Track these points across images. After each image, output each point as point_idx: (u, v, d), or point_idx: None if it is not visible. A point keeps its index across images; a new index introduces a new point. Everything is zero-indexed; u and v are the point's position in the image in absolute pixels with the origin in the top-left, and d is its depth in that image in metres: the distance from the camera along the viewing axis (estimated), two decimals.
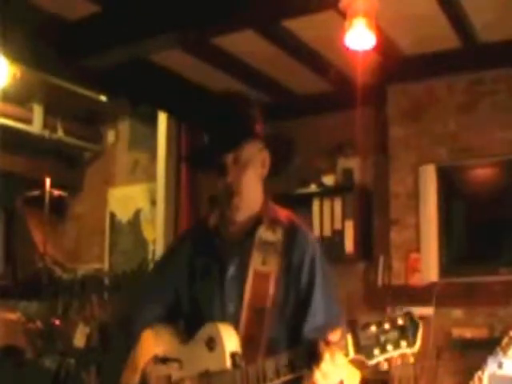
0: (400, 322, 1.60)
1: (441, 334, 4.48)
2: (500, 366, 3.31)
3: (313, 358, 1.65)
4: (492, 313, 4.44)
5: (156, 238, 5.97)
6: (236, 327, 1.85)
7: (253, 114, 2.01)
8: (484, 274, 4.54)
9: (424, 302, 4.55)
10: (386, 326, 1.60)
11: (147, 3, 4.09)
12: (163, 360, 1.92)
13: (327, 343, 1.64)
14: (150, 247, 6.18)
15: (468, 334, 4.46)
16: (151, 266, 4.99)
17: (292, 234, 1.96)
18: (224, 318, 1.88)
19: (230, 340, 1.81)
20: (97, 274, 5.98)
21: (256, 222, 1.97)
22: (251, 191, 1.97)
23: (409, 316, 1.60)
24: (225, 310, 1.92)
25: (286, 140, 5.44)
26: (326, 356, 1.62)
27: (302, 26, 4.25)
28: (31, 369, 5.04)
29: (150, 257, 5.95)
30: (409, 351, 1.59)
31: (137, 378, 1.93)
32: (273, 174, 2.04)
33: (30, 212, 6.68)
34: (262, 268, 1.91)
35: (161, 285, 2.09)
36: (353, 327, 1.63)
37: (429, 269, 4.73)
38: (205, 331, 1.86)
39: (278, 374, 1.69)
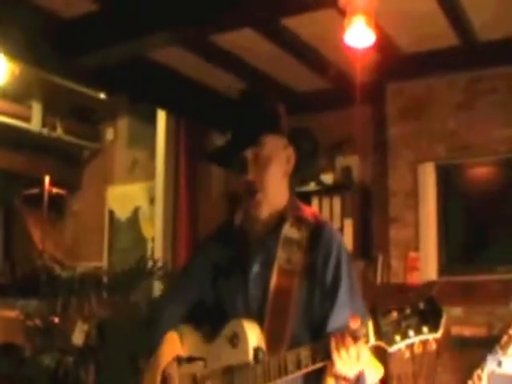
0: (421, 306, 1.55)
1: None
2: (499, 364, 3.31)
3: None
4: (491, 311, 4.44)
5: (155, 236, 5.96)
6: (260, 325, 1.83)
7: (275, 109, 1.99)
8: (483, 273, 4.54)
9: None
10: (408, 311, 1.56)
11: (146, 0, 4.09)
12: (188, 359, 1.91)
13: (347, 333, 1.62)
14: (149, 245, 6.18)
15: (467, 332, 4.46)
16: (150, 264, 4.99)
17: (317, 232, 1.92)
18: (248, 316, 1.86)
19: (253, 335, 1.79)
20: (96, 272, 5.95)
21: (280, 219, 1.94)
22: (274, 188, 1.93)
23: (431, 301, 1.56)
24: (249, 307, 1.90)
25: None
26: (342, 350, 1.61)
27: (301, 24, 4.25)
28: (30, 366, 5.03)
29: (148, 255, 5.95)
30: (430, 337, 1.54)
31: (158, 377, 1.92)
32: (297, 171, 2.01)
33: (28, 210, 6.67)
34: (287, 266, 1.88)
35: (185, 285, 2.09)
36: (373, 313, 1.59)
37: (427, 267, 4.73)
38: (229, 328, 1.85)
39: (299, 366, 1.68)
